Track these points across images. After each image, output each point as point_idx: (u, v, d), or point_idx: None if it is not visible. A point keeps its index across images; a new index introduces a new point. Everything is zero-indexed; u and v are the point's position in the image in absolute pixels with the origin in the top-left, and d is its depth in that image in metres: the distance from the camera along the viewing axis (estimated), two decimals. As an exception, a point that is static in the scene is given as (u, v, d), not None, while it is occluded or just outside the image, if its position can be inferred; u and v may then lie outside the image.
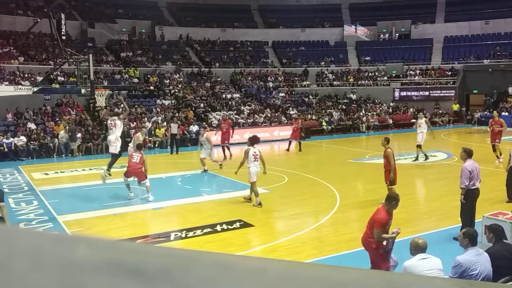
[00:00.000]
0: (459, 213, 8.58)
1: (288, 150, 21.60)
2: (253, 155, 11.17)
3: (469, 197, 8.36)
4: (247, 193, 11.94)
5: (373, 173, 15.28)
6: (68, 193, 13.23)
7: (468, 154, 8.67)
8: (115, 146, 11.88)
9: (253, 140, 11.54)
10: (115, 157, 12.15)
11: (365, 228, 6.50)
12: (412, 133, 26.26)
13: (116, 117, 12.20)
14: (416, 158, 17.80)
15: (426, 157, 17.87)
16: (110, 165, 12.30)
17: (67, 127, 21.71)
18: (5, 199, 11.67)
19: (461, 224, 8.22)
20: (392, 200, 6.37)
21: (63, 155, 20.98)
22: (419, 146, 17.79)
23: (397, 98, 35.24)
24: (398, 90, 35.64)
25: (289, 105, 31.24)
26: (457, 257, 5.25)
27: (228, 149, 18.48)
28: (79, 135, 21.83)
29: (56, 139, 21.32)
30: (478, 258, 5.16)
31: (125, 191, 12.33)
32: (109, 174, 12.43)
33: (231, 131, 19.17)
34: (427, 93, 35.21)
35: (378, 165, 17.31)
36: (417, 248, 5.30)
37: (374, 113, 31.74)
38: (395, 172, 10.84)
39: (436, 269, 5.11)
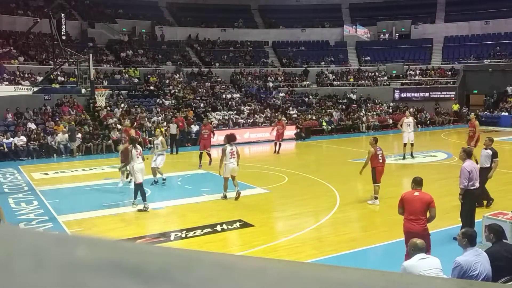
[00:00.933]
0: (459, 213, 8.60)
1: (277, 152, 20.54)
2: (230, 152, 11.80)
3: (468, 197, 8.39)
4: (246, 192, 11.95)
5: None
6: (68, 193, 13.23)
7: (467, 154, 8.68)
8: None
9: (230, 138, 12.11)
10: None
11: (414, 219, 6.81)
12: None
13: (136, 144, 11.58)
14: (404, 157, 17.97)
15: (404, 157, 17.87)
16: (136, 194, 11.27)
17: (66, 127, 21.71)
18: (4, 199, 11.69)
19: (461, 224, 8.22)
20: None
21: (63, 155, 20.98)
22: (406, 145, 17.88)
23: (397, 99, 35.25)
24: (398, 91, 35.62)
25: (289, 105, 31.24)
26: (457, 258, 5.25)
27: (209, 156, 17.19)
28: (79, 135, 21.82)
29: (56, 139, 21.32)
30: (477, 259, 5.15)
31: (125, 190, 12.34)
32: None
33: (212, 137, 17.69)
34: (427, 94, 35.24)
35: (378, 165, 17.33)
36: (415, 249, 5.32)
37: (374, 113, 31.74)
38: (377, 171, 11.20)
39: (435, 269, 5.12)
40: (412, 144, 18.00)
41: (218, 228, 9.50)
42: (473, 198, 8.50)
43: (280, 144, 20.80)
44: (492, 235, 5.64)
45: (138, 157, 11.10)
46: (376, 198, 11.31)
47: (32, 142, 20.90)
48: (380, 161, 11.29)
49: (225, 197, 11.97)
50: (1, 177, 16.08)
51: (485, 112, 32.60)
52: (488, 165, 10.83)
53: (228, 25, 40.53)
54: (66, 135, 21.30)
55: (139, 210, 10.85)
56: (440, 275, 5.04)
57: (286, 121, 25.09)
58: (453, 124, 32.62)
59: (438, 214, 9.61)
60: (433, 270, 5.08)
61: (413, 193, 6.94)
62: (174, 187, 14.22)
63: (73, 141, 21.15)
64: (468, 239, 5.31)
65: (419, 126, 26.70)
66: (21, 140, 20.60)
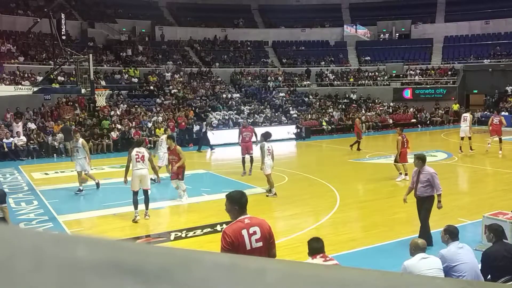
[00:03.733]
0: (421, 220, 8.02)
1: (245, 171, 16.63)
2: (267, 149, 12.01)
3: (432, 203, 8.06)
4: (246, 192, 11.91)
5: (373, 173, 15.29)
6: (68, 193, 13.22)
7: (423, 161, 8.26)
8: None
9: (267, 136, 12.40)
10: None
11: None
12: (412, 132, 26.35)
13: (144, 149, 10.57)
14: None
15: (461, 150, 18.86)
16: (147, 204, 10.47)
17: (61, 126, 21.70)
18: (6, 200, 11.68)
19: (461, 224, 8.19)
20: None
21: (63, 155, 20.98)
22: (463, 139, 18.80)
23: (408, 97, 35.12)
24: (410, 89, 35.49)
25: (289, 105, 31.25)
26: (440, 251, 5.51)
27: (252, 159, 15.48)
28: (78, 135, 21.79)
29: (56, 139, 21.33)
30: (460, 251, 5.42)
31: (125, 191, 12.32)
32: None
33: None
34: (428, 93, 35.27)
35: (378, 165, 17.33)
36: (416, 248, 5.33)
37: (373, 113, 31.73)
38: (402, 154, 13.75)
39: (436, 269, 5.13)
40: (470, 138, 18.77)
41: (218, 228, 9.49)
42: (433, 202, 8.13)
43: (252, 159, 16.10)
44: (492, 235, 5.64)
45: (138, 162, 9.94)
46: (400, 174, 13.78)
47: (32, 142, 20.90)
48: (405, 146, 13.86)
49: (275, 194, 12.11)
50: (1, 177, 16.08)
51: (485, 112, 32.60)
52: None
53: (228, 25, 40.53)
54: (61, 134, 21.23)
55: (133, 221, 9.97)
56: (441, 275, 5.05)
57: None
58: (453, 124, 32.61)
59: (438, 214, 9.66)
60: (434, 270, 5.09)
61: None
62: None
63: (67, 140, 21.06)
64: (449, 235, 5.61)
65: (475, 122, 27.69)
66: (21, 140, 20.60)
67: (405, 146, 13.89)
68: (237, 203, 4.41)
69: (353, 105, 32.86)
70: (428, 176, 7.97)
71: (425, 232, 7.72)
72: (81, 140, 13.24)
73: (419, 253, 5.27)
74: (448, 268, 5.33)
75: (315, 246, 5.28)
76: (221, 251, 4.16)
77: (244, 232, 4.24)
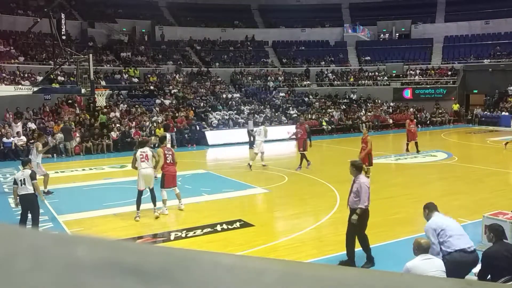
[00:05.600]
0: (347, 234, 7.52)
1: (300, 167, 16.38)
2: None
3: (365, 216, 7.38)
4: (246, 192, 11.92)
5: (373, 173, 15.27)
6: (68, 193, 13.22)
7: (357, 169, 7.55)
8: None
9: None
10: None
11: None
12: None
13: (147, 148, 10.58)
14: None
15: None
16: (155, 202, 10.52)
17: (61, 126, 21.70)
18: (5, 199, 11.72)
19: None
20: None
21: (63, 155, 20.98)
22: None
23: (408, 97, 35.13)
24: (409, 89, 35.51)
25: (289, 105, 31.25)
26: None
27: (305, 157, 15.88)
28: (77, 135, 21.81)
29: (56, 139, 21.32)
30: (445, 219, 5.95)
31: (125, 191, 12.32)
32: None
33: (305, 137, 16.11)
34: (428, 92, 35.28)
35: (378, 165, 17.33)
36: (419, 248, 5.31)
37: (372, 112, 31.72)
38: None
39: (439, 271, 5.12)
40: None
41: (218, 228, 9.50)
42: (367, 216, 7.39)
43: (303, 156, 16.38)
44: (492, 234, 5.64)
45: (142, 162, 10.10)
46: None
47: (32, 142, 20.89)
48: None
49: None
50: (1, 177, 16.08)
51: (485, 112, 32.62)
52: None
53: (228, 25, 40.53)
54: (61, 134, 21.24)
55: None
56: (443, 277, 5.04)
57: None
58: (453, 124, 32.63)
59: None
60: (437, 272, 5.07)
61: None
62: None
63: (67, 140, 21.07)
64: (428, 209, 6.13)
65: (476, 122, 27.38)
66: (21, 140, 20.60)
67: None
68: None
69: (353, 105, 32.88)
70: (357, 186, 7.29)
71: (350, 247, 7.28)
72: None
73: (421, 254, 5.26)
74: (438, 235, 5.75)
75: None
76: None
77: None
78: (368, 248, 7.35)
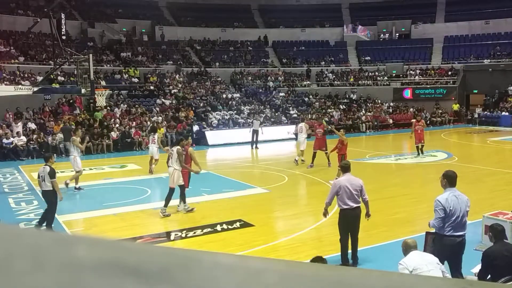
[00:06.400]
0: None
1: (312, 165, 16.58)
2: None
3: (342, 219, 7.35)
4: (246, 192, 11.92)
5: (373, 173, 15.28)
6: (68, 193, 13.22)
7: (343, 169, 7.58)
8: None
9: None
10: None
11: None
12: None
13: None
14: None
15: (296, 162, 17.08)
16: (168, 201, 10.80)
17: (61, 126, 21.72)
18: (5, 199, 11.70)
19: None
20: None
21: (63, 155, 20.98)
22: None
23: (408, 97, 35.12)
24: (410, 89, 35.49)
25: (289, 105, 31.25)
26: (437, 198, 6.03)
27: (327, 156, 16.49)
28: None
29: (56, 139, 21.32)
30: (454, 199, 5.95)
31: (124, 191, 12.32)
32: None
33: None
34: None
35: (378, 165, 17.34)
36: (407, 247, 5.39)
37: (371, 112, 31.71)
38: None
39: (435, 263, 5.18)
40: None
41: (218, 228, 9.50)
42: (346, 219, 7.32)
43: (327, 155, 16.55)
44: (491, 234, 5.66)
45: (169, 160, 10.62)
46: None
47: (32, 142, 20.90)
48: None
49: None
50: (1, 177, 16.08)
51: (485, 112, 32.62)
52: None
53: (228, 25, 40.53)
54: (61, 135, 21.24)
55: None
56: (439, 271, 5.07)
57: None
58: (453, 124, 32.62)
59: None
60: (432, 265, 5.11)
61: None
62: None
63: (66, 141, 21.07)
64: (448, 179, 6.06)
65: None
66: (21, 140, 20.60)
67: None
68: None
69: (353, 105, 32.86)
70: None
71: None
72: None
73: (412, 251, 5.31)
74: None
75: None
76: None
77: None
78: (344, 252, 7.36)
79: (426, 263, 5.13)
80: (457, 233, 5.91)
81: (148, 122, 24.34)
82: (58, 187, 9.54)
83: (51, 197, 9.37)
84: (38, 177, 9.60)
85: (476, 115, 32.58)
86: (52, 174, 9.35)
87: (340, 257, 7.33)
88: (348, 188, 7.16)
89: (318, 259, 5.25)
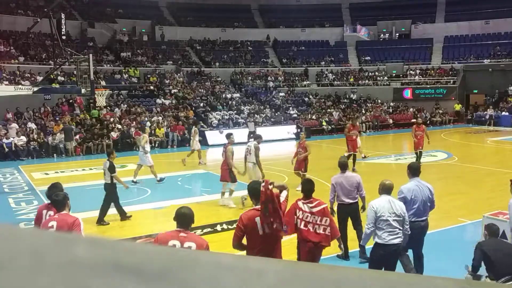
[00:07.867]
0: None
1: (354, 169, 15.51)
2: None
3: (339, 212, 7.63)
4: (246, 192, 11.89)
5: (373, 173, 15.27)
6: (68, 193, 13.20)
7: (340, 166, 7.78)
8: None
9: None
10: None
11: None
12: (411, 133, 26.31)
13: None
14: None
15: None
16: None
17: (61, 126, 21.72)
18: (5, 199, 11.69)
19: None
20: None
21: (63, 155, 20.99)
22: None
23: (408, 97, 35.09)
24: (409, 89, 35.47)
25: (289, 105, 31.25)
26: (401, 187, 6.57)
27: (354, 158, 16.52)
28: (77, 136, 21.80)
29: (56, 139, 21.32)
30: (417, 188, 6.57)
31: (125, 190, 12.30)
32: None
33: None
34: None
35: (378, 165, 17.33)
36: (383, 189, 5.85)
37: (371, 112, 31.73)
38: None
39: (398, 213, 5.66)
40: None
41: (218, 228, 9.50)
42: (342, 214, 7.61)
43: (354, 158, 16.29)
44: (486, 232, 5.79)
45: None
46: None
47: (32, 142, 20.89)
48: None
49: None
50: (1, 177, 16.08)
51: (485, 112, 32.60)
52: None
53: (228, 25, 40.52)
54: (62, 134, 21.24)
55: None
56: (400, 220, 5.69)
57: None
58: (453, 124, 32.61)
59: (438, 214, 9.68)
60: (394, 216, 5.60)
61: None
62: (174, 187, 14.22)
63: (67, 140, 21.07)
64: (410, 170, 6.92)
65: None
66: (21, 140, 20.60)
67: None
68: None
69: (354, 105, 32.87)
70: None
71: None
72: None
73: (385, 194, 5.78)
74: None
75: (308, 188, 6.23)
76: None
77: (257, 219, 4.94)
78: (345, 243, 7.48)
79: (390, 212, 5.59)
80: (420, 219, 6.44)
81: (148, 123, 24.33)
82: (120, 179, 10.26)
83: (107, 189, 10.03)
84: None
85: (487, 116, 31.84)
86: (111, 169, 9.97)
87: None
88: (344, 185, 7.48)
89: (308, 182, 6.20)
